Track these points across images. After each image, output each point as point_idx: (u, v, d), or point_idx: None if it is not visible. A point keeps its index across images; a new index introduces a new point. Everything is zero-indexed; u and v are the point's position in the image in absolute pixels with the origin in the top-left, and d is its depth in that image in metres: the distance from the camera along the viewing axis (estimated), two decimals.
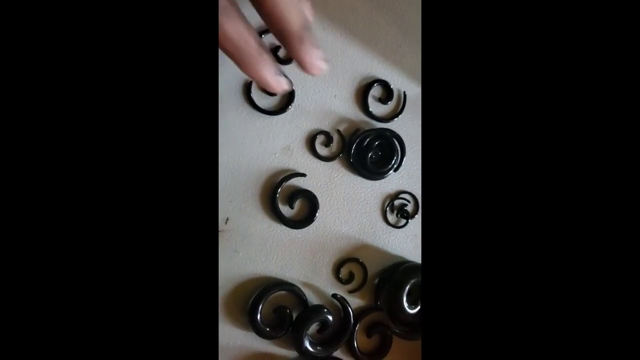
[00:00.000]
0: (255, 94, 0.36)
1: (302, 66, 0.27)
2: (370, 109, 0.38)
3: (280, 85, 0.27)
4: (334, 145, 0.37)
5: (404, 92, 0.38)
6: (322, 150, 0.37)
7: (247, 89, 0.36)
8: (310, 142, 0.37)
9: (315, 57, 0.26)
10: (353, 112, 0.38)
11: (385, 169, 0.38)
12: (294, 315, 0.37)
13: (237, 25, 0.25)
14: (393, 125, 0.38)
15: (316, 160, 0.37)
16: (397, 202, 0.39)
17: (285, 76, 0.28)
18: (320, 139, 0.37)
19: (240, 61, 0.26)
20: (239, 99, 0.36)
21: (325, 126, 0.37)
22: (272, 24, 0.26)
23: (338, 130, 0.38)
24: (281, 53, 0.37)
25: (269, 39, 0.36)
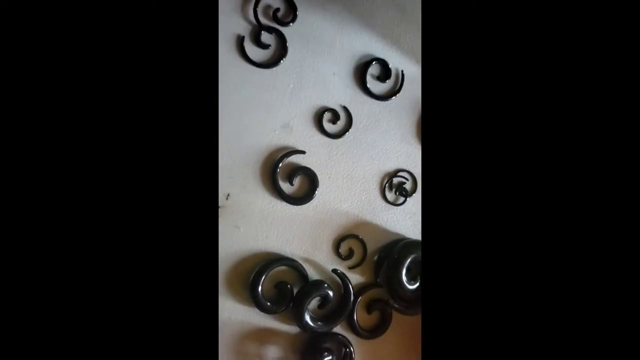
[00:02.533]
0: (249, 48, 0.36)
1: None
2: (368, 87, 0.38)
3: None
4: (340, 123, 0.38)
5: (402, 71, 0.39)
6: (329, 127, 0.38)
7: (240, 42, 0.36)
8: (313, 119, 0.38)
9: None
10: (352, 90, 0.38)
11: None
12: (295, 291, 0.37)
13: None
14: (391, 103, 0.39)
15: (315, 138, 0.38)
16: (395, 180, 0.40)
17: None
18: (327, 116, 0.38)
19: None
20: (233, 54, 0.36)
21: (326, 103, 0.38)
22: None
23: (345, 108, 0.38)
24: (280, 14, 0.37)
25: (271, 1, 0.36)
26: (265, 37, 0.36)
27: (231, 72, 0.36)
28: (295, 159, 0.37)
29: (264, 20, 0.36)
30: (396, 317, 0.39)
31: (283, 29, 0.36)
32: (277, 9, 0.36)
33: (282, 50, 0.37)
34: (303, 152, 0.38)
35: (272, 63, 0.37)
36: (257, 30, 0.36)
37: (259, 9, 0.36)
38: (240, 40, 0.36)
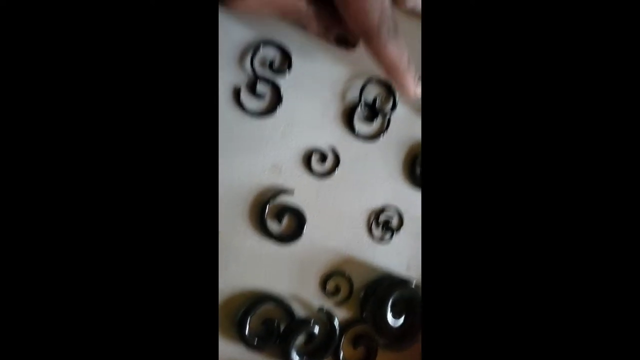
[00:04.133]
0: (245, 99, 0.37)
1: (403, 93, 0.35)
2: (356, 128, 0.39)
3: (417, 92, 0.34)
4: (328, 162, 0.39)
5: (389, 114, 0.40)
6: (317, 166, 0.39)
7: (236, 94, 0.37)
8: (302, 160, 0.39)
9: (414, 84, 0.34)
10: (340, 131, 0.39)
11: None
12: (282, 327, 0.38)
13: (397, 46, 0.32)
14: (378, 145, 0.40)
15: (304, 178, 0.39)
16: (382, 217, 0.40)
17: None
18: (316, 156, 0.39)
19: (395, 77, 0.34)
20: (230, 104, 0.38)
21: (314, 144, 0.39)
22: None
23: (332, 148, 0.39)
24: (275, 65, 0.38)
25: (267, 52, 0.37)
26: (261, 87, 0.38)
27: (227, 120, 0.37)
28: (283, 198, 0.38)
29: (260, 71, 0.37)
30: (381, 353, 0.40)
31: (278, 79, 0.38)
32: (273, 60, 0.37)
33: (277, 99, 0.38)
34: (291, 192, 0.38)
35: (267, 112, 0.38)
36: (253, 81, 0.37)
37: (256, 60, 0.37)
38: (237, 92, 0.37)
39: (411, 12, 0.35)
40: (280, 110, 0.38)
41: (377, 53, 0.32)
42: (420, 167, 0.40)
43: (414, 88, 0.34)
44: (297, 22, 0.34)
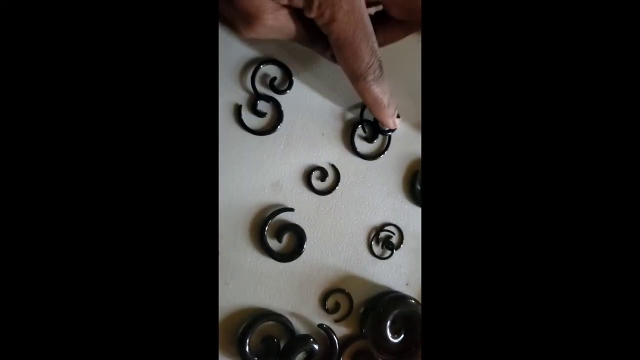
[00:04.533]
0: (246, 116, 0.38)
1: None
2: (356, 147, 0.39)
3: (396, 124, 0.38)
4: (328, 180, 0.39)
5: (389, 131, 0.40)
6: (317, 184, 0.39)
7: (237, 112, 0.38)
8: (302, 177, 0.39)
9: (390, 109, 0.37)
10: (340, 149, 0.39)
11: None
12: (282, 345, 0.38)
13: (380, 88, 0.34)
14: (378, 162, 0.40)
15: (304, 195, 0.39)
16: (382, 234, 0.41)
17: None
18: (316, 174, 0.39)
19: (376, 113, 0.37)
20: (230, 122, 0.38)
21: (314, 161, 0.39)
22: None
23: (333, 165, 0.39)
24: (276, 82, 0.38)
25: (268, 70, 0.38)
26: (262, 105, 0.38)
27: (228, 137, 0.37)
28: (284, 216, 0.38)
29: (260, 89, 0.37)
30: None
31: (279, 97, 0.38)
32: (274, 78, 0.37)
33: (278, 117, 0.38)
34: (292, 210, 0.39)
35: (268, 130, 0.38)
36: (254, 99, 0.37)
37: (257, 78, 0.37)
38: (237, 109, 0.37)
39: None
40: (281, 128, 0.38)
41: (362, 92, 0.35)
42: (420, 184, 0.40)
43: (393, 122, 0.38)
44: (302, 43, 0.34)
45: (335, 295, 0.40)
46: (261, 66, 0.37)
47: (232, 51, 0.37)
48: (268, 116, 0.38)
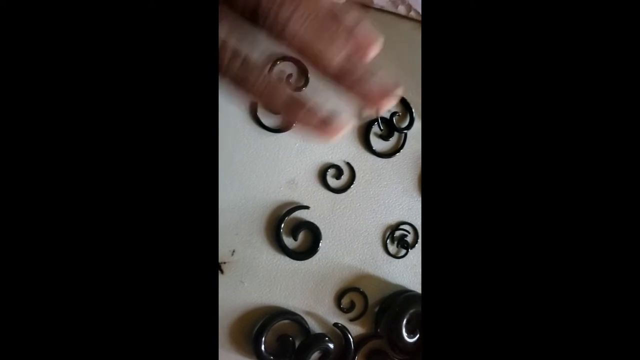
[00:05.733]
0: (262, 114, 0.38)
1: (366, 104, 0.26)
2: (372, 145, 0.39)
3: (330, 133, 0.26)
4: (344, 178, 0.39)
5: (405, 132, 0.40)
6: (332, 182, 0.39)
7: (253, 110, 0.38)
8: (318, 175, 0.39)
9: (374, 94, 0.25)
10: (355, 147, 0.39)
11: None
12: (297, 344, 0.38)
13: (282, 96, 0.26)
14: (393, 161, 0.40)
15: (319, 193, 0.39)
16: (397, 233, 0.40)
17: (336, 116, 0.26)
18: (331, 172, 0.39)
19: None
20: (247, 119, 0.38)
21: (330, 159, 0.39)
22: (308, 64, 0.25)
23: (348, 163, 0.39)
24: (292, 79, 0.38)
25: (283, 67, 0.37)
26: None
27: (244, 136, 0.37)
28: (299, 214, 0.38)
29: None
30: None
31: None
32: (290, 75, 0.37)
33: None
34: (307, 207, 0.38)
35: (283, 127, 0.38)
36: None
37: (273, 75, 0.37)
38: (254, 107, 0.37)
39: None
40: (297, 126, 0.38)
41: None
42: (420, 179, 0.40)
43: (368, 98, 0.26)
44: None
45: (350, 294, 0.39)
46: (277, 63, 0.37)
47: None
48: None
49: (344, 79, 0.25)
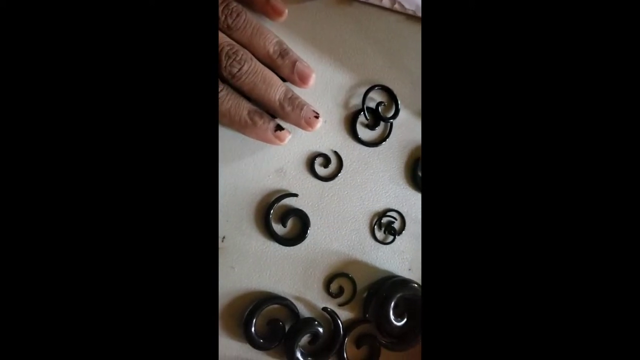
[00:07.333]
0: None
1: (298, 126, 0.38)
2: (358, 134, 0.40)
3: (278, 140, 0.37)
4: (331, 166, 0.40)
5: (391, 121, 0.41)
6: (320, 170, 0.40)
7: None
8: (306, 164, 0.40)
9: (303, 119, 0.37)
10: (342, 137, 0.40)
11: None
12: (287, 328, 0.39)
13: (227, 103, 0.35)
14: (380, 149, 0.41)
15: (308, 181, 0.40)
16: (384, 220, 0.41)
17: (282, 127, 0.37)
18: (319, 160, 0.40)
19: (238, 130, 0.37)
20: None
21: (317, 148, 0.40)
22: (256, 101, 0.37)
23: (336, 152, 0.40)
24: None
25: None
26: None
27: None
28: (288, 201, 0.39)
29: None
30: (384, 352, 0.41)
31: None
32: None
33: None
34: (296, 195, 0.39)
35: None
36: None
37: None
38: None
39: None
40: None
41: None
42: (421, 169, 0.41)
43: (301, 122, 0.37)
44: None
45: (339, 280, 0.40)
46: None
47: None
48: None
49: (283, 110, 0.36)
